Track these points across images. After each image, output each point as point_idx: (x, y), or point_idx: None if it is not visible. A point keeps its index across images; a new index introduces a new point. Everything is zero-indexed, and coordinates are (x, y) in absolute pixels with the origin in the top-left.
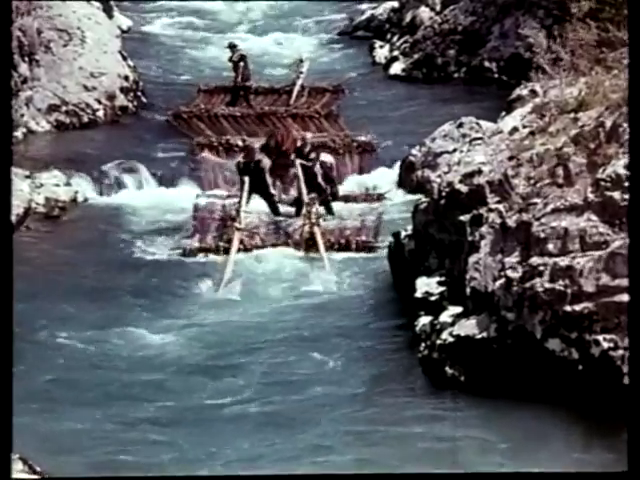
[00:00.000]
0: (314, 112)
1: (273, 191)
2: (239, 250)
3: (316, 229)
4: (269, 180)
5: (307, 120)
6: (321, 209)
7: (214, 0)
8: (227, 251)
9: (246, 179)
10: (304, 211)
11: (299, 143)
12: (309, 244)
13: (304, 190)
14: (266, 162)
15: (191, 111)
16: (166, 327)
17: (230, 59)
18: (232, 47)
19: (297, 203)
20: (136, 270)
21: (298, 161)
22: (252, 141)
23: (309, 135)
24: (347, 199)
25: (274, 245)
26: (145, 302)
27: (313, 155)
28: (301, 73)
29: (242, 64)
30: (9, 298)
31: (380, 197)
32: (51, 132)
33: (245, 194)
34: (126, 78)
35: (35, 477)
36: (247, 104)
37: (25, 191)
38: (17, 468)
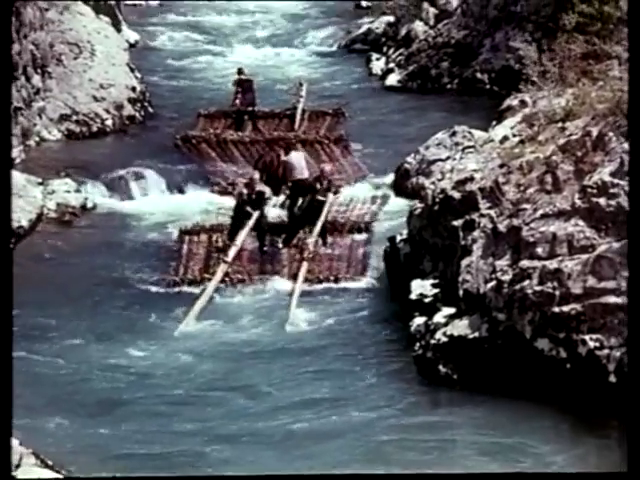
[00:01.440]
0: (323, 137)
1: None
2: (224, 282)
3: (305, 264)
4: (265, 209)
5: (316, 146)
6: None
7: (219, 15)
8: (192, 283)
9: (255, 214)
10: (299, 245)
11: (306, 182)
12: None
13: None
14: (268, 192)
15: (200, 135)
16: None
17: (235, 82)
18: (239, 72)
19: (288, 233)
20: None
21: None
22: (252, 172)
23: (328, 168)
24: (333, 229)
25: (262, 274)
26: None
27: (326, 194)
28: (301, 97)
29: (240, 89)
30: (9, 299)
31: (368, 226)
32: (62, 141)
33: (247, 228)
34: (133, 89)
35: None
36: (254, 129)
37: (37, 197)
38: (29, 462)
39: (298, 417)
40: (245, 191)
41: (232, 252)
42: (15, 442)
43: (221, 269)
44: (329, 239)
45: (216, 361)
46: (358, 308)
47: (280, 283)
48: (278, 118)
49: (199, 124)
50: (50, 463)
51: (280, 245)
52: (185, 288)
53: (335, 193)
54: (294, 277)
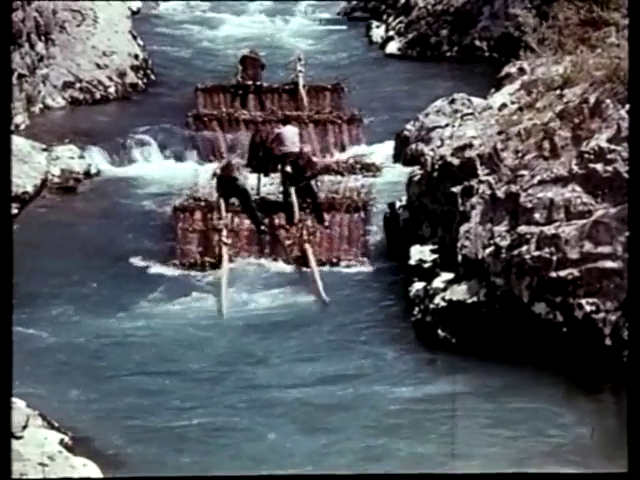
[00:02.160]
0: (336, 117)
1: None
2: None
3: (307, 246)
4: (250, 192)
5: (329, 126)
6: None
7: None
8: (213, 266)
9: (222, 201)
10: (296, 228)
11: (293, 156)
12: (299, 262)
13: (296, 210)
14: (242, 181)
15: (212, 114)
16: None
17: (240, 59)
18: (250, 51)
19: (287, 212)
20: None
21: (293, 188)
22: (233, 156)
23: (307, 148)
24: (343, 171)
25: (262, 255)
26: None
27: (309, 173)
28: (300, 72)
29: (242, 66)
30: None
31: (376, 168)
32: (66, 108)
33: (223, 211)
34: (136, 57)
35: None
36: (260, 105)
37: (42, 163)
38: (35, 424)
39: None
40: (218, 172)
41: (225, 233)
42: (22, 404)
43: (225, 252)
44: (327, 217)
45: (233, 333)
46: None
47: (282, 266)
48: (277, 93)
49: (199, 99)
50: (56, 425)
51: (283, 224)
52: (185, 272)
53: (312, 177)
54: (297, 260)
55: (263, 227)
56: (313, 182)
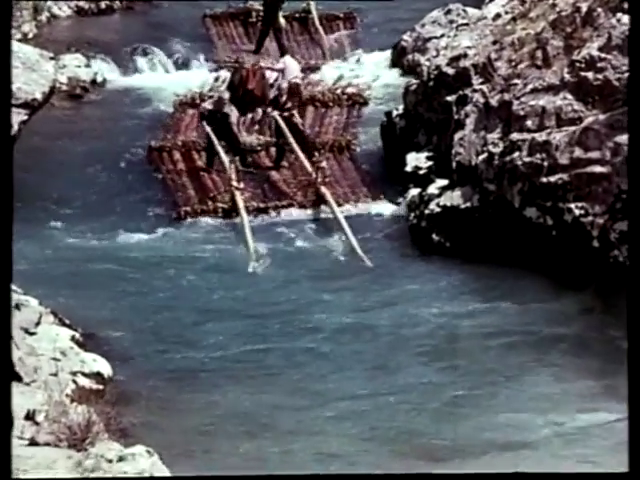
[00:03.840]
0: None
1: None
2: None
3: (325, 190)
4: (236, 131)
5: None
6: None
7: None
8: (227, 213)
9: (208, 129)
10: (313, 170)
11: (273, 93)
12: (315, 204)
13: (301, 155)
14: (234, 115)
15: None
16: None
17: None
18: None
19: (278, 152)
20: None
21: (276, 113)
22: (222, 91)
23: (284, 85)
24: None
25: (276, 207)
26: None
27: (289, 104)
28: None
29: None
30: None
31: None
32: (72, 17)
33: (219, 147)
34: None
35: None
36: (280, 46)
37: (50, 72)
38: (48, 320)
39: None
40: (209, 107)
41: (234, 176)
42: (34, 302)
43: (239, 198)
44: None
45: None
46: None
47: (296, 211)
48: (289, 22)
49: (208, 24)
50: (67, 322)
51: (271, 167)
52: (186, 220)
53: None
54: (314, 204)
55: (251, 168)
56: (298, 118)
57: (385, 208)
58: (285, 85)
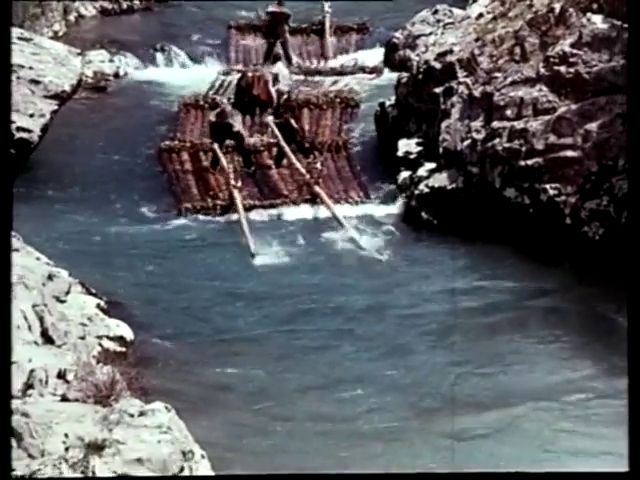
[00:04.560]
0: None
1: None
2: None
3: (318, 189)
4: (242, 134)
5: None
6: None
7: None
8: (225, 210)
9: (215, 146)
10: (304, 171)
11: (274, 102)
12: (310, 202)
13: (292, 157)
14: (237, 124)
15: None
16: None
17: (266, 13)
18: (280, 3)
19: (278, 152)
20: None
21: (270, 119)
22: (225, 102)
23: (283, 88)
24: (342, 72)
25: (272, 205)
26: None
27: (282, 109)
28: (327, 13)
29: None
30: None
31: (377, 70)
32: (97, 17)
33: (222, 157)
34: None
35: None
36: (287, 57)
37: (77, 66)
38: (76, 290)
39: None
40: (214, 119)
41: (232, 175)
42: (65, 273)
43: (237, 197)
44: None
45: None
46: None
47: (293, 209)
48: (305, 34)
49: (231, 34)
50: (93, 291)
51: (272, 166)
52: (186, 221)
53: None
54: (308, 202)
55: (253, 168)
56: (293, 122)
57: (379, 208)
58: (280, 88)
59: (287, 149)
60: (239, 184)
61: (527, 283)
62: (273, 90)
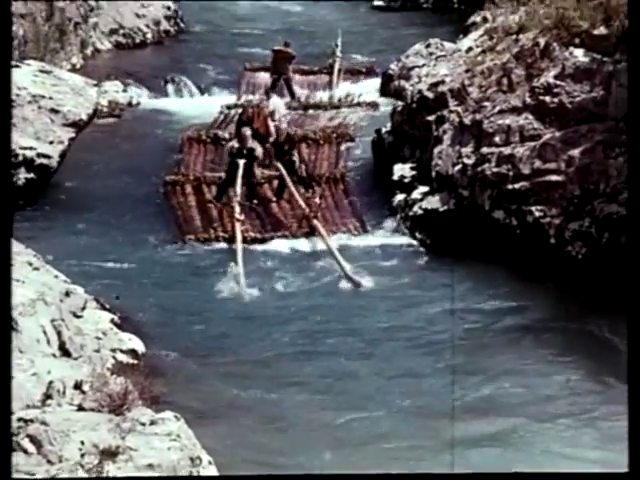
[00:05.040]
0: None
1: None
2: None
3: (316, 222)
4: (256, 168)
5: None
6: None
7: None
8: (228, 241)
9: (241, 162)
10: (304, 205)
11: (272, 135)
12: (308, 235)
13: (293, 190)
14: (259, 150)
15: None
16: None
17: (274, 49)
18: (286, 44)
19: (279, 185)
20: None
21: (280, 165)
22: (245, 129)
23: (283, 126)
24: (339, 105)
25: (272, 237)
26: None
27: (287, 147)
28: (337, 56)
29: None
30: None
31: (373, 104)
32: (112, 50)
33: (239, 180)
34: (168, 8)
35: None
36: (290, 92)
37: (93, 96)
38: (92, 306)
39: None
40: (236, 145)
41: (238, 208)
42: (80, 290)
43: (238, 229)
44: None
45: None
46: None
47: (291, 241)
48: (314, 75)
49: (245, 75)
50: (107, 307)
51: (273, 199)
52: (187, 252)
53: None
54: (306, 235)
55: (256, 201)
56: (296, 157)
57: (376, 239)
58: (279, 125)
59: (289, 182)
60: (242, 217)
61: (513, 302)
62: (272, 125)
